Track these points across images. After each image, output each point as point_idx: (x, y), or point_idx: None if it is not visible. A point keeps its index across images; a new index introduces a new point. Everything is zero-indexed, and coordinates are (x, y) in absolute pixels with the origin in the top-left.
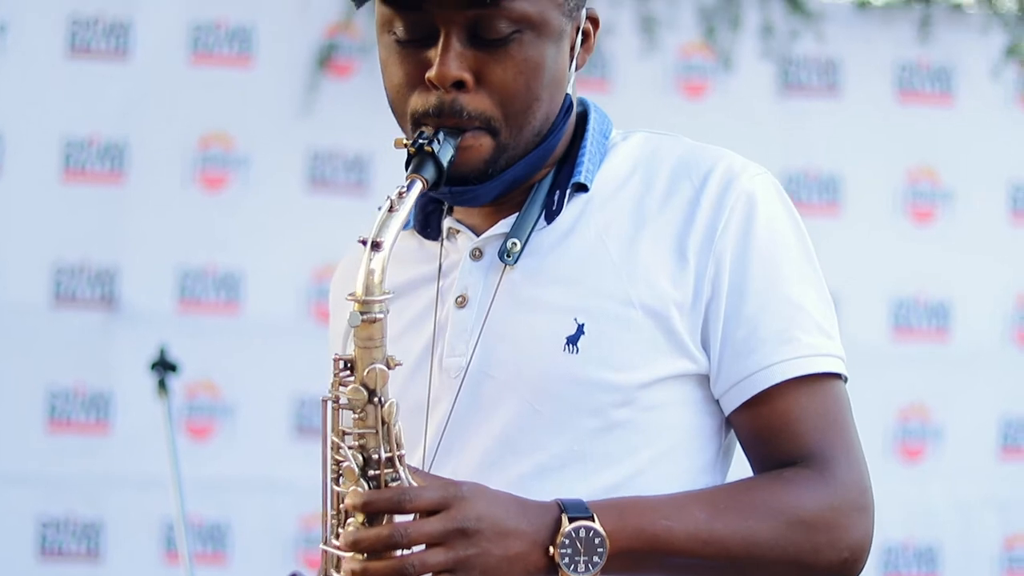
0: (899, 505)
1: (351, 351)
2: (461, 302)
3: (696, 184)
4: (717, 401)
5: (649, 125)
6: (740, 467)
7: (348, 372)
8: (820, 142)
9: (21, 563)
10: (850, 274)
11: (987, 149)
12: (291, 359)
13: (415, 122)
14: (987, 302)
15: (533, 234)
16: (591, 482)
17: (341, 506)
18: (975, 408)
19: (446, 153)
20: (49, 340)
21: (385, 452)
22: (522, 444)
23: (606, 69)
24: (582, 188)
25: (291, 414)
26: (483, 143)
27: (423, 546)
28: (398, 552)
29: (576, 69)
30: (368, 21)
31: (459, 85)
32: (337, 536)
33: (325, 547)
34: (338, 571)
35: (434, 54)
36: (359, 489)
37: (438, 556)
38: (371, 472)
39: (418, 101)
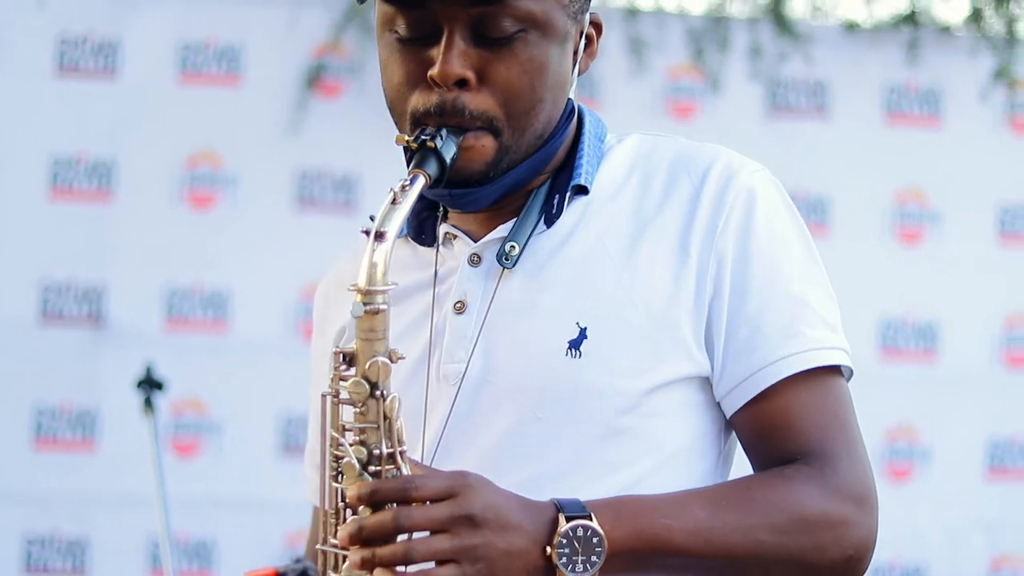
0: (887, 526)
1: (352, 345)
2: (460, 308)
3: (695, 181)
4: (718, 404)
5: None
6: (740, 473)
7: (347, 366)
8: (808, 164)
9: None
10: (838, 295)
11: (975, 171)
12: (278, 378)
13: (415, 122)
14: (975, 323)
15: (533, 238)
16: (591, 490)
17: (340, 504)
18: (963, 429)
19: (448, 150)
20: (36, 358)
21: (387, 447)
22: (521, 452)
23: (595, 90)
24: (582, 190)
25: (277, 432)
26: (485, 144)
27: (427, 534)
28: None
29: (579, 74)
30: (357, 41)
31: (462, 83)
32: (335, 536)
33: (322, 547)
34: (336, 572)
35: (436, 52)
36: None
37: (443, 542)
38: (372, 468)
39: (419, 100)
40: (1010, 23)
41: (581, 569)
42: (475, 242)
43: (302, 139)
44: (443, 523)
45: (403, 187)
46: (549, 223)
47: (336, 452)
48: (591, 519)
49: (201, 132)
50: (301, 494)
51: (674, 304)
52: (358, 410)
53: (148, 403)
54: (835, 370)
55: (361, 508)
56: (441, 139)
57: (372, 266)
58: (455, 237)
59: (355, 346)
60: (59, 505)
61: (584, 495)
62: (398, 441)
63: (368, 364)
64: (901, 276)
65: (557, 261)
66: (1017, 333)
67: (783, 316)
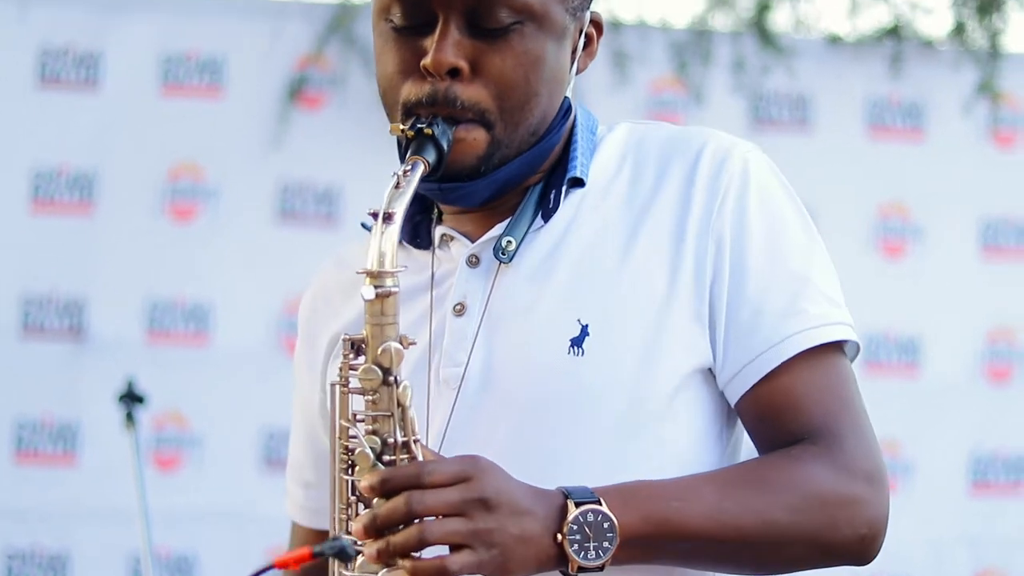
0: None
1: (361, 332)
2: (459, 310)
3: (688, 166)
4: (722, 395)
5: None
6: None
7: (356, 355)
8: (791, 177)
9: None
10: None
11: (958, 185)
12: (260, 391)
13: (407, 112)
14: (957, 337)
15: (530, 235)
16: None
17: (352, 497)
18: (946, 444)
19: (445, 138)
20: (17, 371)
21: (401, 436)
22: (525, 453)
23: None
24: (578, 183)
25: (259, 446)
26: (477, 136)
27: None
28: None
29: (577, 72)
30: (340, 53)
31: (454, 73)
32: (348, 532)
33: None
34: (347, 569)
35: (430, 42)
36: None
37: (457, 525)
38: (386, 458)
39: (411, 90)
40: (993, 37)
41: (594, 556)
42: (472, 243)
43: (284, 152)
44: (457, 506)
45: (405, 172)
46: (546, 218)
47: (347, 443)
48: (600, 504)
49: (183, 144)
50: (283, 508)
51: (675, 294)
52: (370, 398)
53: (129, 417)
54: (839, 347)
55: (375, 501)
56: (438, 126)
57: (381, 247)
58: (452, 239)
59: (364, 332)
60: (40, 519)
61: None
62: (412, 430)
63: (380, 349)
64: (884, 290)
65: (555, 258)
66: (1000, 347)
67: (784, 295)
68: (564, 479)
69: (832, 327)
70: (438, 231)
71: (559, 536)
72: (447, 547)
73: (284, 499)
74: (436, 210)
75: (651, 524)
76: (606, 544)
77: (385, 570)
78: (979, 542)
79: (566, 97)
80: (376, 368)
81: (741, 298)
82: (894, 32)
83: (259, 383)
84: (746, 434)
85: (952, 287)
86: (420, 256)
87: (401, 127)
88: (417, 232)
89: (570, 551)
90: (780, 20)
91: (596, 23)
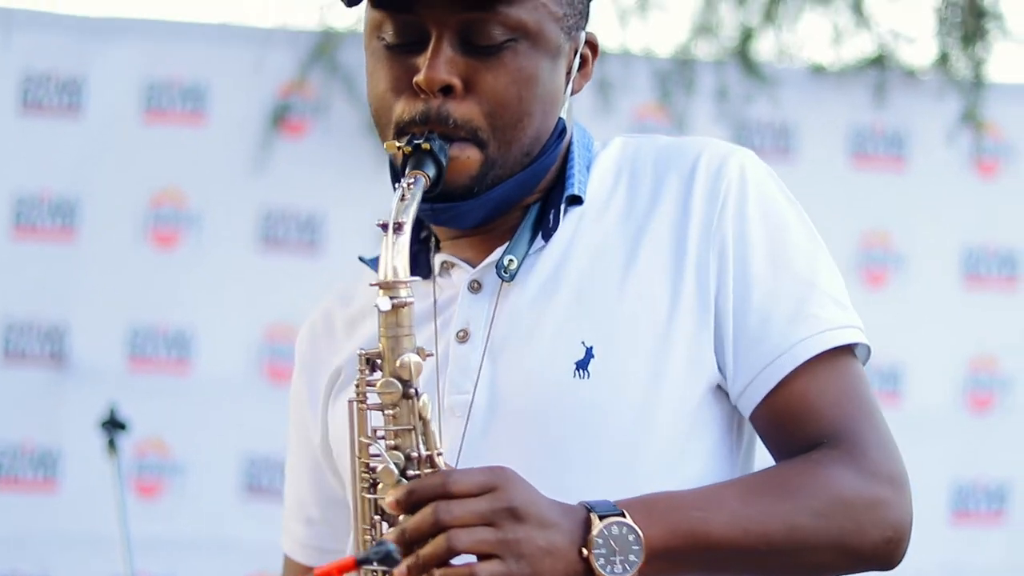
0: None
1: (376, 346)
2: (463, 336)
3: (684, 177)
4: (733, 410)
5: None
6: None
7: (371, 371)
8: None
9: None
10: None
11: (940, 214)
12: (241, 418)
13: (399, 131)
14: (939, 367)
15: (531, 255)
16: None
17: (376, 516)
18: (926, 473)
19: (443, 154)
20: None
21: (424, 450)
22: (535, 478)
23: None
24: (576, 200)
25: (241, 473)
26: (470, 155)
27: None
28: None
29: (572, 93)
30: (323, 80)
31: (447, 91)
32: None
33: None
34: None
35: (423, 60)
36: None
37: (486, 534)
38: (411, 472)
39: (404, 108)
40: (977, 66)
41: (620, 570)
42: (473, 268)
43: (267, 178)
44: (485, 516)
45: (408, 186)
46: (546, 237)
47: (367, 461)
48: (625, 516)
49: (165, 171)
50: (265, 535)
51: (678, 308)
52: (389, 413)
53: (111, 444)
54: (850, 350)
55: (400, 518)
56: (435, 142)
57: (393, 258)
58: (452, 266)
59: (380, 346)
60: (20, 546)
61: None
62: (434, 443)
63: (398, 362)
64: (866, 318)
65: (557, 279)
66: (982, 376)
67: (791, 300)
68: (576, 502)
69: (842, 330)
70: (438, 259)
71: (584, 551)
72: (474, 556)
73: (264, 527)
74: (434, 239)
75: (677, 536)
76: (632, 557)
77: None
78: (960, 572)
79: (560, 118)
80: (395, 381)
81: (748, 306)
82: (878, 61)
83: (241, 410)
84: (756, 450)
85: (934, 316)
86: (421, 285)
87: (397, 144)
88: (416, 262)
89: (596, 565)
90: (764, 49)
91: (591, 44)
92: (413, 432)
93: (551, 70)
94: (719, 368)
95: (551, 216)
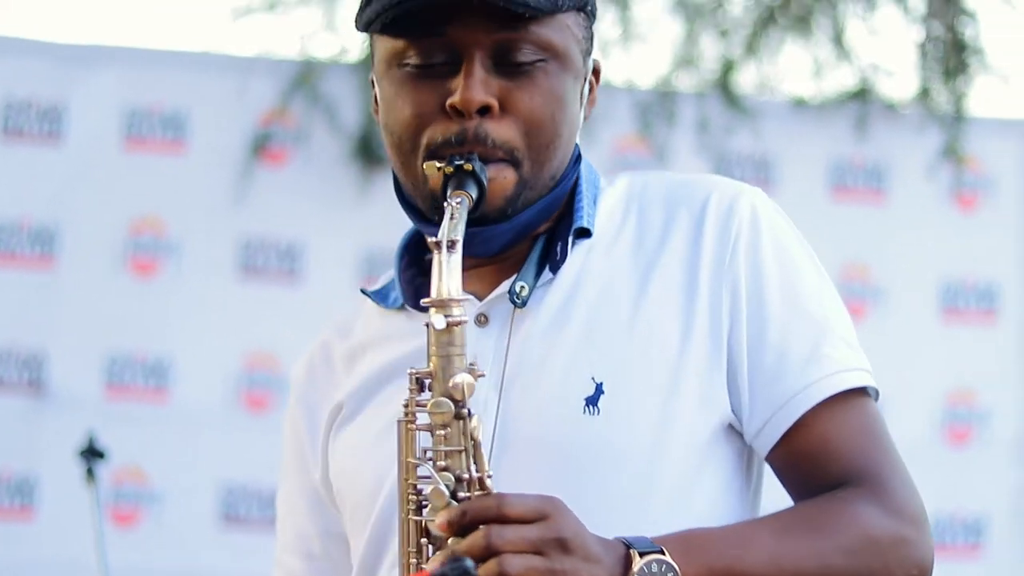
0: None
1: (427, 365)
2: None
3: (695, 215)
4: (742, 450)
5: None
6: None
7: (421, 390)
8: None
9: None
10: None
11: (920, 247)
12: (219, 447)
13: (430, 154)
14: (917, 399)
15: (540, 288)
16: None
17: (423, 540)
18: None
19: (483, 174)
20: None
21: (475, 472)
22: None
23: None
24: (585, 233)
25: (218, 502)
26: (506, 176)
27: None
28: None
29: (584, 119)
30: (304, 109)
31: (484, 111)
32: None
33: None
34: None
35: (455, 83)
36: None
37: (536, 562)
38: (461, 494)
39: (437, 130)
40: (958, 100)
41: None
42: (480, 301)
43: (247, 207)
44: (536, 544)
45: (457, 204)
46: (554, 269)
47: (415, 482)
48: (664, 553)
49: (145, 199)
50: (241, 565)
51: (689, 346)
52: (440, 433)
53: (90, 473)
54: (862, 390)
55: (449, 541)
56: (476, 163)
57: (448, 276)
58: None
59: (431, 366)
60: None
61: None
62: (484, 465)
63: (451, 382)
64: None
65: (566, 313)
66: (960, 409)
67: (807, 340)
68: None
69: (855, 373)
70: None
71: None
72: None
73: (240, 557)
74: None
75: (714, 573)
76: None
77: None
78: None
79: (576, 144)
80: (447, 401)
81: (763, 344)
82: (859, 95)
83: (219, 439)
84: (763, 487)
85: (913, 349)
86: (425, 319)
87: (437, 165)
88: (420, 295)
89: None
90: (745, 82)
91: (596, 71)
92: (464, 453)
93: (574, 92)
94: (732, 410)
95: (558, 248)
